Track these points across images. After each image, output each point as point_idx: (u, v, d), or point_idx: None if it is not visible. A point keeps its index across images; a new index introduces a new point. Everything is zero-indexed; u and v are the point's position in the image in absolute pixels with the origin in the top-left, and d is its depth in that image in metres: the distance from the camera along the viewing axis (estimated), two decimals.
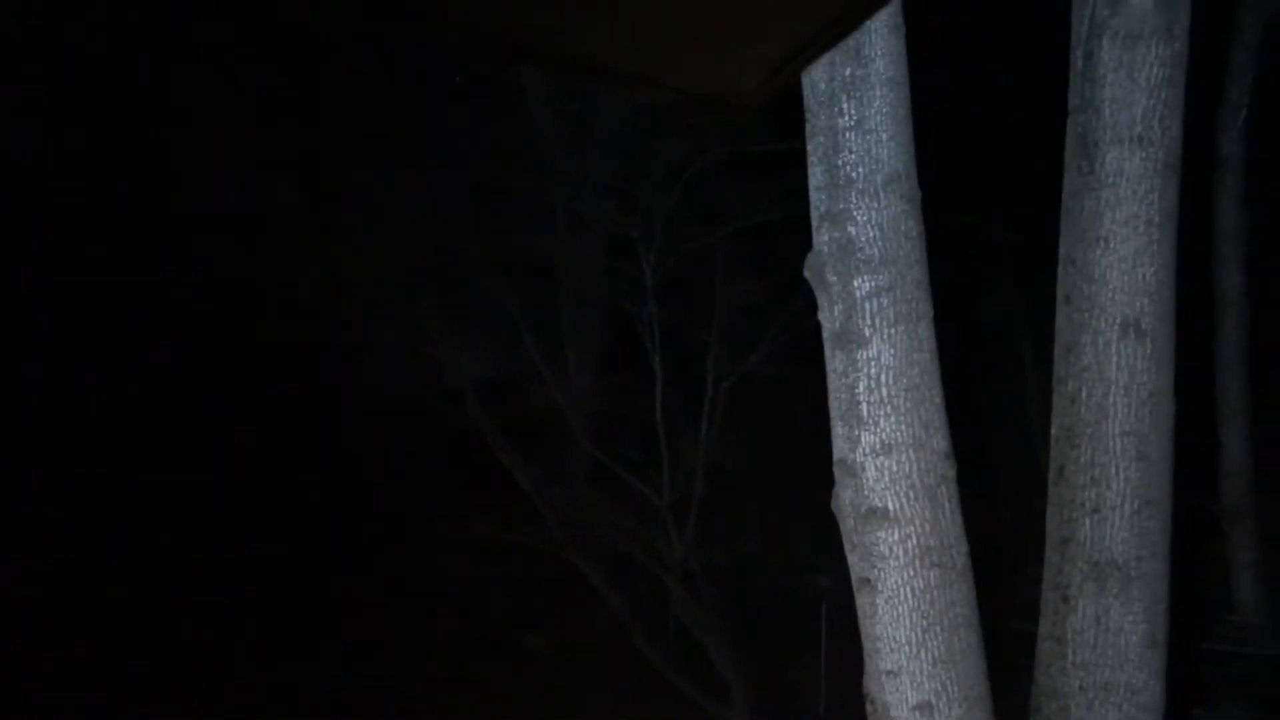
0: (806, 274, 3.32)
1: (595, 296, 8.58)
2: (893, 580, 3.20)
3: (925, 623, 3.19)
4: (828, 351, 3.29)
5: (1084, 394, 3.28)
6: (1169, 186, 3.22)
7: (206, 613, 7.98)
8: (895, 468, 3.18)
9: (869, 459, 3.19)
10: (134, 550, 8.39)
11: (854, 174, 3.17)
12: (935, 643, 3.20)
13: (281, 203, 7.92)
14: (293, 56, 7.82)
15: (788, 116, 3.44)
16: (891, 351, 3.17)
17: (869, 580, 3.24)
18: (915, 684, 3.20)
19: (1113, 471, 3.24)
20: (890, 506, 3.18)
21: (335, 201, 7.80)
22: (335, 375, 8.95)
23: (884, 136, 3.17)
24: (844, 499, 3.27)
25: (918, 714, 3.20)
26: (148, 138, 8.49)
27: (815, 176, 3.26)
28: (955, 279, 4.90)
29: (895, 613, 3.21)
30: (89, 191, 8.42)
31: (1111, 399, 3.23)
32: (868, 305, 3.17)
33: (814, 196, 3.28)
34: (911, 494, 3.18)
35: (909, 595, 3.19)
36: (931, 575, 3.19)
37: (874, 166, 3.17)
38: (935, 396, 3.23)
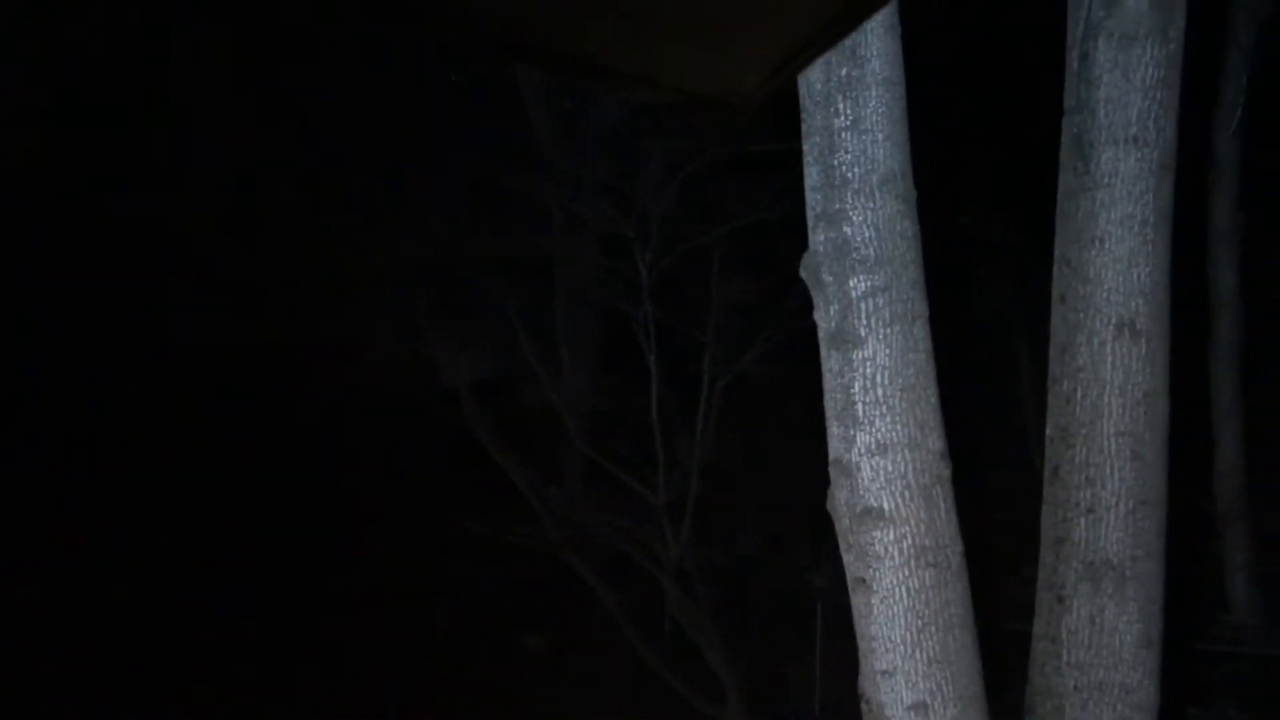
0: (802, 274, 3.33)
1: (591, 296, 8.58)
2: (888, 580, 3.21)
3: (920, 623, 3.19)
4: (823, 351, 3.29)
5: (1079, 394, 3.28)
6: (1164, 187, 3.23)
7: (205, 613, 7.97)
8: (890, 468, 3.18)
9: (864, 459, 3.20)
10: (134, 550, 8.38)
11: (850, 174, 3.17)
12: (930, 643, 3.20)
13: (277, 203, 7.91)
14: (289, 56, 7.81)
15: (784, 117, 3.45)
16: (887, 351, 3.18)
17: (864, 580, 3.24)
18: (910, 684, 3.21)
19: (1108, 471, 3.24)
20: (885, 506, 3.19)
21: (332, 202, 7.79)
22: (332, 375, 8.94)
23: (879, 137, 3.17)
24: (839, 499, 3.28)
25: (913, 714, 3.21)
26: (147, 138, 8.48)
27: (811, 176, 3.27)
28: (951, 279, 4.90)
29: (890, 612, 3.21)
30: (88, 192, 8.41)
31: (1106, 399, 3.24)
32: (863, 305, 3.18)
33: (810, 196, 3.28)
34: (907, 494, 3.18)
35: (904, 595, 3.20)
36: (927, 575, 3.20)
37: (869, 167, 3.17)
38: (931, 396, 3.24)
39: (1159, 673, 3.32)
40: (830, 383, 3.27)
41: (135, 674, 7.18)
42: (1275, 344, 9.33)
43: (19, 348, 8.46)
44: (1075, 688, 3.29)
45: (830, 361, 3.26)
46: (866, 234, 3.17)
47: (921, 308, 3.24)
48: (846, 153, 3.18)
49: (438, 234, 7.33)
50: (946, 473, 3.25)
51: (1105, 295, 3.23)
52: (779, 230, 5.86)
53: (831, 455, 3.30)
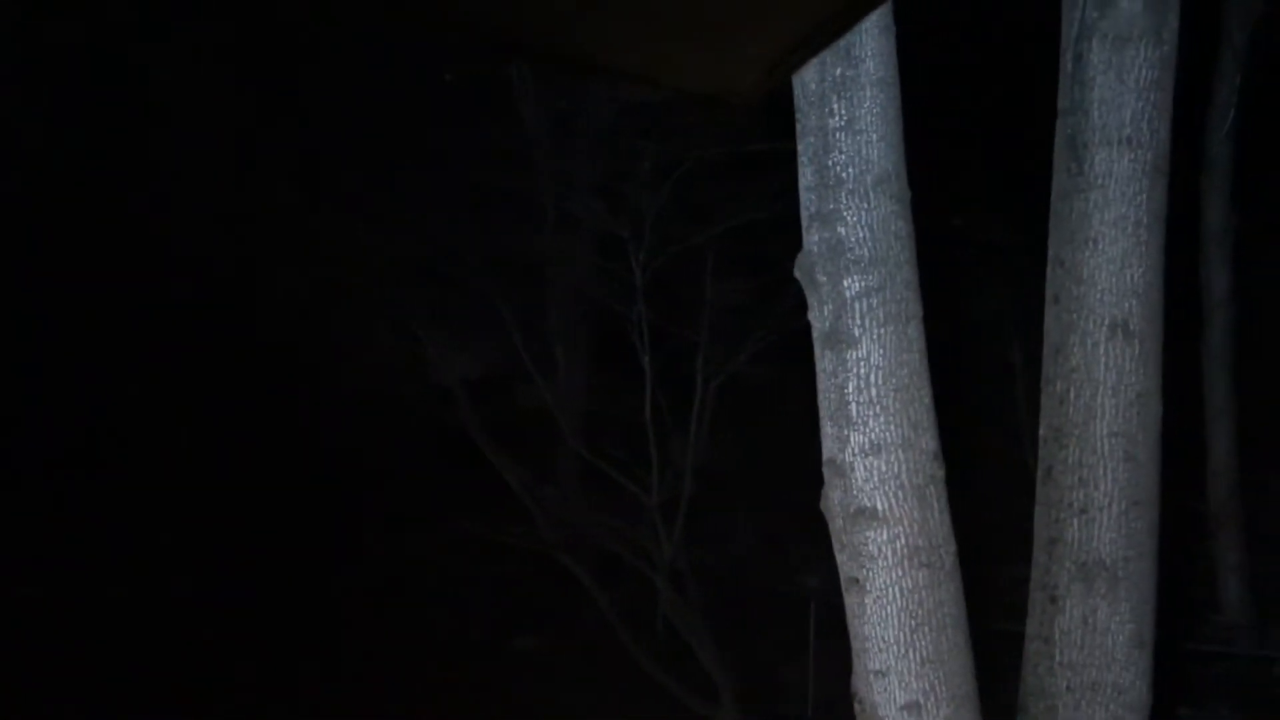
0: (796, 274, 3.32)
1: (585, 296, 8.58)
2: (881, 580, 3.20)
3: (913, 623, 3.19)
4: (817, 351, 3.29)
5: (1072, 395, 3.29)
6: (1157, 188, 3.23)
7: (204, 613, 7.97)
8: (884, 468, 3.18)
9: (858, 459, 3.19)
10: (134, 550, 8.38)
11: (844, 174, 3.17)
12: (923, 642, 3.20)
13: (272, 203, 7.90)
14: (286, 56, 7.80)
15: (778, 117, 3.44)
16: (881, 352, 3.17)
17: (857, 580, 3.24)
18: (903, 684, 3.20)
19: (1100, 472, 3.25)
20: (879, 506, 3.18)
21: (327, 202, 7.78)
22: (327, 375, 8.94)
23: (874, 137, 3.17)
24: (833, 499, 3.27)
25: (905, 714, 3.21)
26: (146, 138, 8.47)
27: (805, 177, 3.27)
28: (945, 280, 4.91)
29: (883, 612, 3.21)
30: (87, 192, 8.41)
31: (1099, 400, 3.24)
32: (857, 305, 3.17)
33: (804, 196, 3.28)
34: (900, 494, 3.18)
35: (897, 595, 3.19)
36: (920, 575, 3.19)
37: (864, 167, 3.17)
38: (924, 397, 3.24)
39: (1151, 673, 3.32)
40: (824, 383, 3.27)
41: (135, 674, 7.19)
42: (1268, 345, 9.36)
43: (19, 348, 8.45)
44: (1068, 688, 3.29)
45: (824, 362, 3.26)
46: (861, 234, 3.17)
47: (916, 308, 3.24)
48: (841, 153, 3.17)
49: (431, 234, 7.32)
50: (940, 473, 3.25)
51: (1099, 296, 3.23)
52: (773, 230, 5.84)
53: (825, 455, 3.29)
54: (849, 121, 3.16)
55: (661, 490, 7.10)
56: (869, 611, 3.22)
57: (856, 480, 3.20)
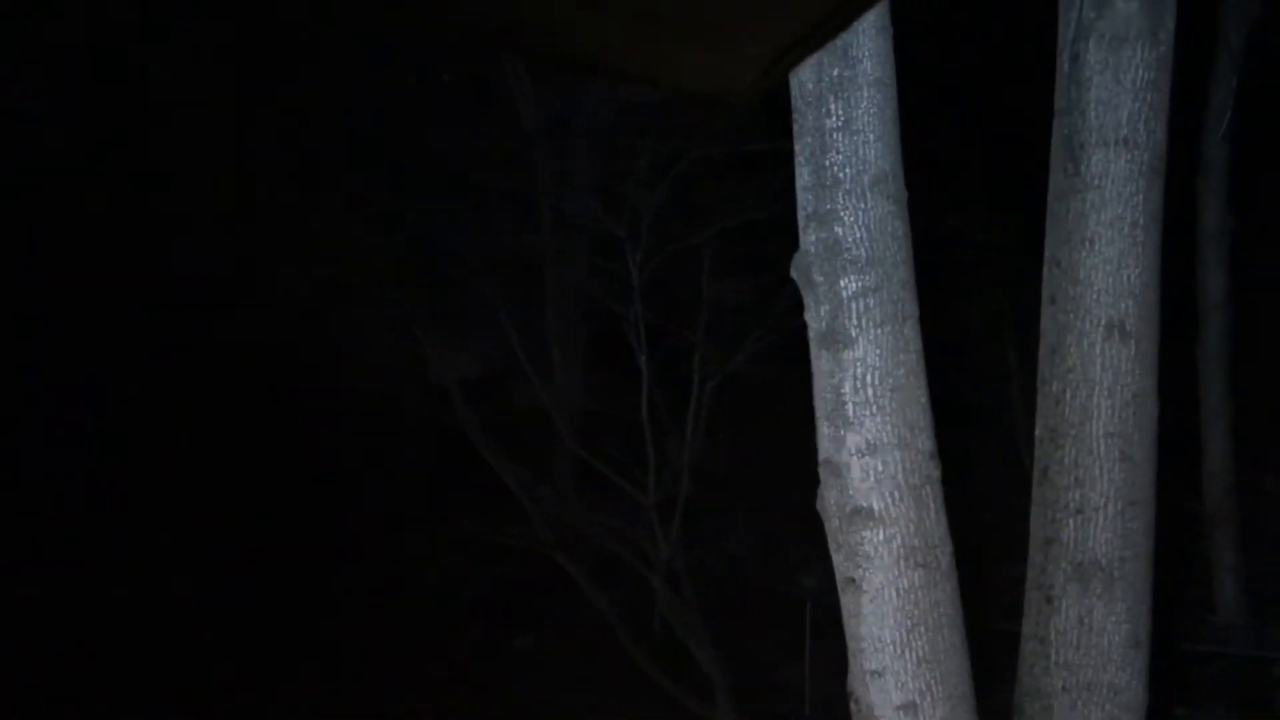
0: (793, 274, 3.33)
1: (582, 296, 8.58)
2: (877, 580, 3.21)
3: (910, 623, 3.19)
4: (813, 351, 3.29)
5: (1068, 395, 3.29)
6: (1154, 189, 3.24)
7: (204, 613, 7.97)
8: (880, 468, 3.18)
9: (854, 459, 3.20)
10: (134, 550, 8.38)
11: (841, 174, 3.18)
12: (920, 642, 3.20)
13: (272, 203, 7.91)
14: (286, 56, 7.81)
15: (775, 117, 3.45)
16: (877, 352, 3.18)
17: (854, 580, 3.24)
18: (900, 684, 3.21)
19: (1096, 473, 3.25)
20: (875, 506, 3.19)
21: (326, 201, 7.78)
22: (326, 375, 8.95)
23: (871, 137, 3.18)
24: (829, 499, 3.28)
25: (902, 714, 3.21)
26: (145, 138, 8.47)
27: (802, 177, 3.27)
28: (941, 280, 4.92)
29: (880, 613, 3.21)
30: (87, 191, 8.41)
31: (1095, 400, 3.24)
32: (854, 305, 3.18)
33: (801, 197, 3.28)
34: (896, 494, 3.19)
35: (894, 595, 3.20)
36: (916, 575, 3.20)
37: (861, 167, 3.17)
38: (921, 397, 3.24)
39: (1147, 673, 3.33)
40: (820, 383, 3.27)
41: (135, 674, 7.18)
42: (1263, 346, 9.37)
43: (19, 348, 8.45)
44: (1064, 688, 3.30)
45: (821, 362, 3.26)
46: (858, 234, 3.17)
47: (912, 308, 3.24)
48: (838, 153, 3.18)
49: (429, 234, 7.32)
50: (936, 473, 3.26)
51: (1095, 296, 3.24)
52: (770, 230, 5.85)
53: (821, 455, 3.30)
54: (846, 122, 3.17)
55: (659, 490, 7.10)
56: (865, 611, 3.23)
57: (853, 480, 3.20)
